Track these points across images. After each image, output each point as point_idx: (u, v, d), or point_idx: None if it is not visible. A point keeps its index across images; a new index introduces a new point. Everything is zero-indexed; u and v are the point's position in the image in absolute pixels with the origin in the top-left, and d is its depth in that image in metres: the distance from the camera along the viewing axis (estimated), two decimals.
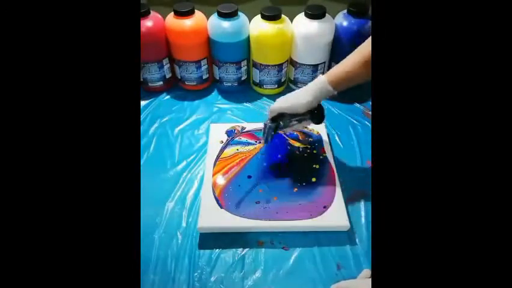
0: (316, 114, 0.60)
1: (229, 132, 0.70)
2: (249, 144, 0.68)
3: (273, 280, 0.50)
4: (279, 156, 0.66)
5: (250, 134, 0.71)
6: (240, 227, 0.55)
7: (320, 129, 0.71)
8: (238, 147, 0.68)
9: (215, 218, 0.56)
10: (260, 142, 0.69)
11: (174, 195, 0.61)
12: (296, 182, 0.61)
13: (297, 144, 0.69)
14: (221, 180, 0.61)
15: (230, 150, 0.67)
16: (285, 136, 0.70)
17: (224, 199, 0.58)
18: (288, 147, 0.68)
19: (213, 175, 0.62)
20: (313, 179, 0.61)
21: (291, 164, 0.65)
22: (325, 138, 0.70)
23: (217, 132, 0.70)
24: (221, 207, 0.57)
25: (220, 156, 0.66)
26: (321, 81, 0.58)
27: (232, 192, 0.59)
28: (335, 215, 0.56)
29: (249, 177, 0.62)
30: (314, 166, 0.64)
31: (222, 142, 0.68)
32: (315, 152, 0.67)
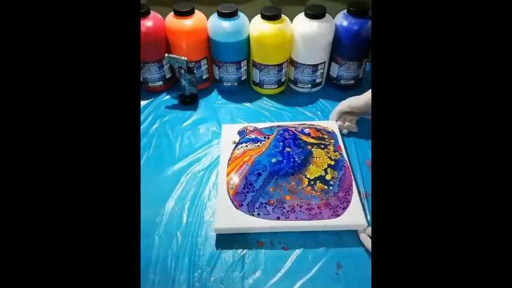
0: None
1: (241, 133, 0.70)
2: (257, 141, 0.68)
3: (273, 280, 0.50)
4: (289, 152, 0.65)
5: (259, 131, 0.70)
6: (256, 228, 0.54)
7: (333, 127, 0.70)
8: (248, 144, 0.67)
9: (231, 218, 0.55)
10: (268, 138, 0.68)
11: (174, 195, 0.61)
12: (309, 179, 0.60)
13: (309, 140, 0.67)
14: (234, 180, 0.60)
15: (240, 148, 0.66)
16: (296, 132, 0.69)
17: (238, 199, 0.57)
18: (299, 143, 0.67)
19: (227, 175, 0.61)
20: (328, 177, 0.60)
21: (302, 161, 0.63)
22: (339, 135, 0.69)
23: (230, 133, 0.70)
24: (236, 208, 0.56)
25: (232, 156, 0.65)
26: None
27: (245, 192, 0.58)
28: (354, 214, 0.55)
29: (259, 174, 0.61)
30: (329, 163, 0.63)
31: (235, 142, 0.68)
32: (330, 148, 0.66)
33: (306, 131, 0.69)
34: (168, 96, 0.82)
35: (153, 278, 0.51)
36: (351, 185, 0.59)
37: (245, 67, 0.80)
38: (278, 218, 0.55)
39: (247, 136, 0.69)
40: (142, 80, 0.81)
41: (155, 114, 0.78)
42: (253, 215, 0.55)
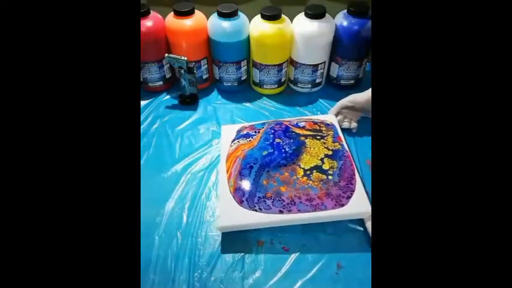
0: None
1: (239, 132, 0.70)
2: (249, 136, 0.67)
3: (273, 280, 0.50)
4: (279, 143, 0.64)
5: (251, 126, 0.70)
6: (261, 223, 0.54)
7: (332, 120, 0.70)
8: (239, 139, 0.67)
9: (235, 215, 0.54)
10: (259, 132, 0.68)
11: (174, 195, 0.61)
12: (304, 169, 0.59)
13: (302, 132, 0.67)
14: (231, 177, 0.60)
15: (233, 145, 0.66)
16: (288, 125, 0.69)
17: (238, 195, 0.57)
18: (290, 134, 0.66)
19: (226, 172, 0.61)
20: (325, 166, 0.59)
21: (294, 151, 0.62)
22: (338, 128, 0.68)
23: (229, 133, 0.70)
24: (239, 205, 0.55)
25: (228, 154, 0.65)
26: None
27: (242, 187, 0.58)
28: (359, 203, 0.55)
29: (251, 167, 0.61)
30: (325, 153, 0.62)
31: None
32: (328, 139, 0.65)
33: (301, 124, 0.69)
34: (168, 96, 0.83)
35: (153, 278, 0.51)
36: (354, 174, 0.59)
37: (245, 67, 0.80)
38: (281, 212, 0.54)
39: (241, 133, 0.69)
40: (142, 80, 0.81)
41: (155, 114, 0.78)
42: (255, 210, 0.54)
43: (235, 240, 0.55)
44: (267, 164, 0.61)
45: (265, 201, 0.55)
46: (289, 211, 0.54)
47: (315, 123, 0.69)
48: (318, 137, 0.65)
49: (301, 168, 0.60)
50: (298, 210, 0.54)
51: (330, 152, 0.62)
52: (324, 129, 0.68)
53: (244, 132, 0.69)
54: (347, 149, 0.64)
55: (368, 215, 0.54)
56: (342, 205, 0.54)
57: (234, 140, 0.67)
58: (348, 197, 0.55)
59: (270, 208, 0.55)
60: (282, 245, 0.54)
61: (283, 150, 0.63)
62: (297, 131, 0.67)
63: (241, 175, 0.60)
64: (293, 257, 0.53)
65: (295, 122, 0.70)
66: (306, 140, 0.65)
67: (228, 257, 0.53)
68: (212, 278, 0.50)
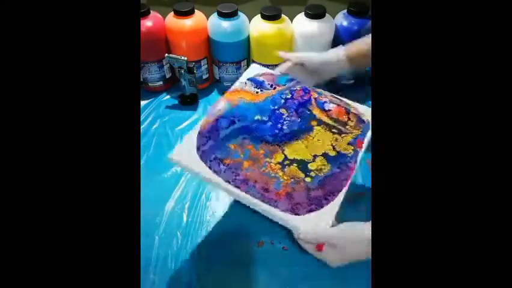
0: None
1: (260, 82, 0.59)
2: (261, 86, 0.57)
3: (272, 280, 0.50)
4: (281, 114, 0.53)
5: (273, 77, 0.59)
6: (207, 178, 0.47)
7: (369, 117, 0.55)
8: (247, 82, 0.58)
9: (187, 157, 0.48)
10: (275, 88, 0.57)
11: (174, 195, 0.61)
12: (285, 158, 0.48)
13: (321, 116, 0.53)
14: (209, 114, 0.53)
15: (239, 85, 0.57)
16: (312, 99, 0.55)
17: (199, 141, 0.49)
18: (304, 112, 0.54)
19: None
20: (312, 165, 0.48)
21: (290, 133, 0.51)
22: (369, 131, 0.53)
23: (252, 73, 0.60)
24: (196, 150, 0.49)
25: (231, 89, 0.57)
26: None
27: (207, 136, 0.50)
28: (311, 222, 0.43)
29: (232, 122, 0.52)
30: (326, 151, 0.49)
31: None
32: (345, 138, 0.51)
33: (329, 106, 0.54)
34: (168, 96, 0.83)
35: (153, 278, 0.51)
36: (339, 192, 0.45)
37: (245, 67, 0.80)
38: (228, 182, 0.46)
39: (258, 78, 0.59)
40: (142, 80, 0.81)
41: (155, 114, 0.78)
42: (206, 164, 0.47)
43: (235, 241, 0.55)
44: (249, 130, 0.51)
45: (219, 164, 0.47)
46: (237, 187, 0.45)
47: (348, 112, 0.54)
48: (334, 131, 0.52)
49: (283, 154, 0.49)
50: (246, 192, 0.45)
51: (333, 153, 0.49)
52: (351, 124, 0.53)
53: (261, 78, 0.59)
54: (358, 160, 0.49)
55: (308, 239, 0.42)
56: (297, 214, 0.43)
57: (244, 80, 0.58)
58: (310, 211, 0.44)
59: (220, 173, 0.46)
60: (282, 244, 0.54)
61: (279, 125, 0.52)
62: (315, 112, 0.54)
63: (217, 122, 0.52)
64: (293, 256, 0.53)
65: (323, 100, 0.55)
66: (314, 127, 0.52)
67: (228, 257, 0.53)
68: (212, 278, 0.50)
